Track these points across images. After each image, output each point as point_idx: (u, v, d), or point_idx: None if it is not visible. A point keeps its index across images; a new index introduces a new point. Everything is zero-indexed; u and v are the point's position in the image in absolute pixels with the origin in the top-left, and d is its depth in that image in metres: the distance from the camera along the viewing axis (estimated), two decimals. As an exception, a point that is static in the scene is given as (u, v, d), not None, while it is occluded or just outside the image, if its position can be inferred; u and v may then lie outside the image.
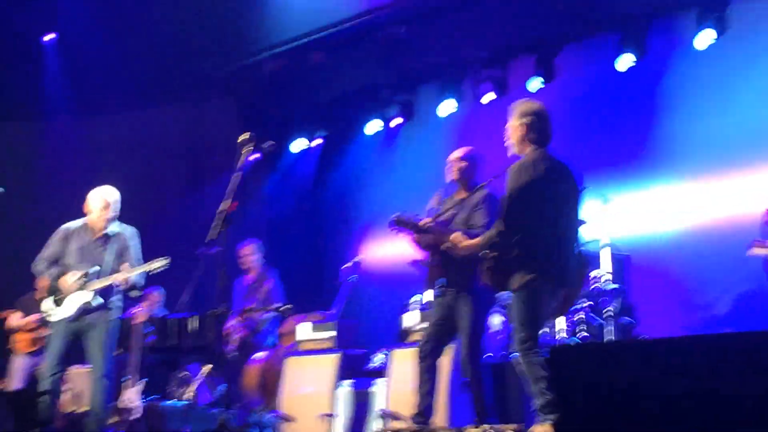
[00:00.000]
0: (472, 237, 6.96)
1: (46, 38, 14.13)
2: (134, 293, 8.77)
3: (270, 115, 13.39)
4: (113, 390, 10.17)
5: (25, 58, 14.00)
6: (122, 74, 13.70)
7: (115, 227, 8.84)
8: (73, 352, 8.73)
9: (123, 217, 13.09)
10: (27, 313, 11.37)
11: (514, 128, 6.72)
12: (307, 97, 13.45)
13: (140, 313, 10.27)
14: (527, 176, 6.44)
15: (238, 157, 7.26)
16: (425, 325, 8.22)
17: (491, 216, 7.22)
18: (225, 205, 7.06)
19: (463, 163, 7.63)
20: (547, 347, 8.59)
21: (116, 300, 8.74)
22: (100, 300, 8.57)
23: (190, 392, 10.67)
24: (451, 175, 7.65)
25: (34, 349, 11.17)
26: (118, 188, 13.73)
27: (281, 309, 10.34)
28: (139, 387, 10.02)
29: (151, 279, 11.86)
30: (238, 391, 10.27)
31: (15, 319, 11.41)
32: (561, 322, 8.86)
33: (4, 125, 14.69)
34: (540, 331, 6.68)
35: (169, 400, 10.69)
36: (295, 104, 13.54)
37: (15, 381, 11.19)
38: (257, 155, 7.50)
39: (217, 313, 7.44)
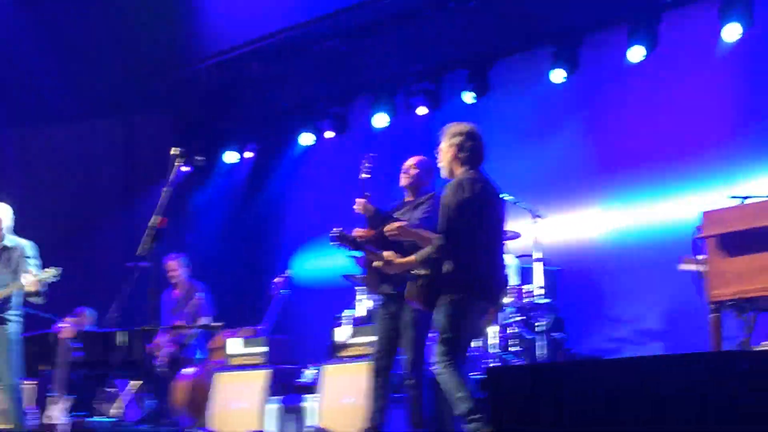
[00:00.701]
0: (411, 228, 6.94)
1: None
2: (36, 299, 8.63)
3: (204, 127, 13.29)
4: (41, 406, 10.02)
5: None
6: (54, 85, 13.51)
7: (11, 241, 8.79)
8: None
9: (53, 229, 12.96)
10: None
11: (445, 150, 6.71)
12: (241, 109, 13.37)
13: (67, 328, 10.10)
14: (462, 194, 6.45)
15: (169, 171, 7.16)
16: (358, 339, 8.17)
17: (432, 212, 7.18)
18: (155, 220, 6.95)
19: (416, 170, 7.61)
20: (482, 363, 8.64)
21: (14, 312, 8.64)
22: None
23: (118, 408, 10.50)
24: (403, 180, 7.63)
25: None
26: (49, 200, 13.65)
27: (210, 326, 10.24)
28: (66, 403, 9.85)
29: (83, 299, 11.76)
30: (167, 407, 10.14)
31: None
32: (493, 337, 8.84)
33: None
34: (468, 346, 6.68)
35: (96, 416, 10.52)
36: (229, 116, 13.45)
37: None
38: (188, 169, 7.43)
39: (146, 328, 7.32)
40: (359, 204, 7.34)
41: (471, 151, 6.67)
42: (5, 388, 8.55)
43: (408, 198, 7.63)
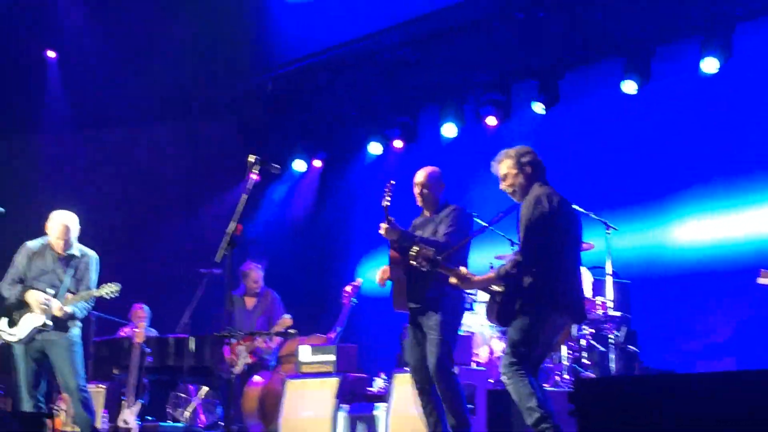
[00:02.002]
0: (430, 245, 6.96)
1: (49, 53, 14.11)
2: (71, 324, 8.72)
3: (272, 135, 13.36)
4: (112, 411, 10.13)
5: (27, 73, 13.98)
6: (125, 91, 13.67)
7: (77, 250, 8.89)
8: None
9: (120, 235, 13.09)
10: None
11: (512, 175, 6.72)
12: (309, 118, 13.43)
13: (138, 332, 10.21)
14: (541, 209, 6.47)
15: (245, 179, 7.21)
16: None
17: (455, 225, 7.30)
18: (231, 227, 6.99)
19: (425, 189, 7.62)
20: (554, 375, 8.62)
21: (74, 319, 8.75)
22: (51, 322, 8.59)
23: (187, 414, 10.60)
24: (419, 201, 7.66)
25: None
26: (117, 206, 13.80)
27: (288, 333, 10.27)
28: (136, 408, 9.95)
29: (143, 297, 11.86)
30: (237, 413, 10.19)
31: None
32: (564, 350, 8.80)
33: (3, 139, 14.64)
34: (541, 360, 6.69)
35: (167, 421, 10.61)
36: (296, 125, 13.52)
37: None
38: (258, 177, 7.47)
39: (222, 335, 7.37)
40: (383, 229, 7.37)
41: (537, 167, 6.72)
42: (71, 392, 8.66)
43: (426, 213, 7.63)
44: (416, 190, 7.65)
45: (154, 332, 11.06)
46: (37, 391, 8.62)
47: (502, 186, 6.79)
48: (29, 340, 8.59)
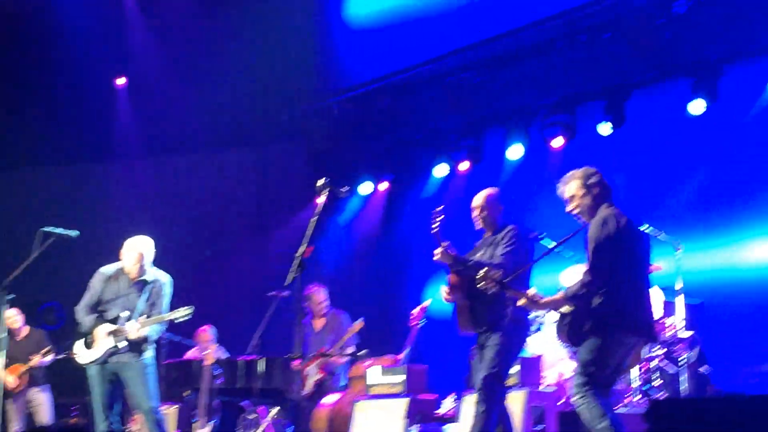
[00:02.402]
0: (483, 266, 6.99)
1: (118, 81, 14.34)
2: (144, 347, 8.83)
3: (338, 158, 13.44)
4: (184, 431, 10.23)
5: (96, 101, 14.22)
6: (192, 117, 13.86)
7: (151, 275, 9.01)
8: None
9: (190, 259, 13.24)
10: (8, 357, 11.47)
11: (580, 196, 6.74)
12: (375, 141, 13.51)
13: (209, 354, 10.31)
14: (609, 229, 6.50)
15: (312, 202, 7.29)
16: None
17: (512, 246, 7.34)
18: (301, 249, 7.06)
19: (483, 212, 7.65)
20: (624, 397, 8.58)
21: (148, 342, 8.86)
22: (126, 343, 8.71)
23: (258, 435, 10.67)
24: (477, 224, 7.69)
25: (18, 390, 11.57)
26: (187, 230, 13.96)
27: (358, 354, 10.32)
28: (208, 429, 10.04)
29: (213, 320, 11.97)
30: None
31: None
32: (634, 371, 8.76)
33: (75, 167, 14.90)
34: (613, 381, 6.68)
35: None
36: (362, 148, 13.61)
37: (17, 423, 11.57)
38: (326, 200, 7.55)
39: (292, 356, 7.43)
40: (437, 254, 7.41)
41: (604, 188, 6.75)
42: (145, 413, 8.76)
43: (487, 235, 7.66)
44: (474, 214, 7.70)
45: (223, 351, 11.20)
46: (112, 412, 8.74)
47: (569, 208, 6.81)
48: (104, 361, 8.72)
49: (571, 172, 6.89)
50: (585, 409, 6.41)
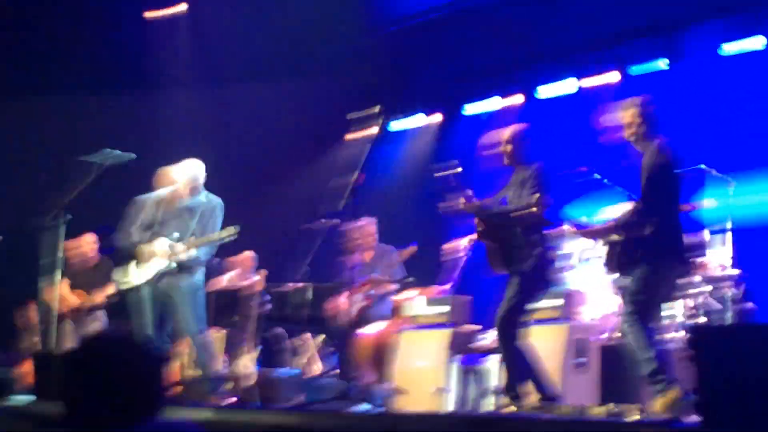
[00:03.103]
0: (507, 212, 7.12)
1: (178, 8, 14.35)
2: (194, 269, 8.89)
3: (391, 90, 13.41)
4: (232, 357, 10.38)
5: (156, 28, 14.26)
6: (248, 46, 13.87)
7: (203, 197, 9.07)
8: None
9: (242, 188, 13.33)
10: (72, 280, 11.61)
11: (637, 124, 6.75)
12: (428, 72, 13.46)
13: (257, 281, 10.42)
14: (662, 160, 6.51)
15: (366, 129, 7.32)
16: (542, 303, 8.21)
17: (538, 188, 7.30)
18: (353, 176, 7.10)
19: (508, 147, 7.61)
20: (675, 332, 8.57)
21: (198, 263, 8.95)
22: (175, 264, 8.80)
23: (304, 361, 10.80)
24: (503, 160, 7.64)
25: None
26: (239, 158, 14.05)
27: (404, 282, 10.38)
28: (254, 355, 10.18)
29: (263, 247, 12.06)
30: (350, 362, 10.36)
31: (61, 290, 11.68)
32: (678, 306, 8.74)
33: (132, 94, 15.02)
34: (659, 310, 6.71)
35: (283, 368, 10.83)
36: (415, 80, 13.56)
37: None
38: (378, 129, 7.58)
39: (336, 284, 7.52)
40: (461, 204, 7.47)
41: (658, 119, 6.75)
42: (191, 336, 8.88)
43: (515, 174, 7.62)
44: (500, 149, 7.64)
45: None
46: (161, 333, 8.88)
47: (624, 134, 6.79)
48: (155, 283, 8.84)
49: (629, 99, 6.89)
50: (633, 337, 6.45)
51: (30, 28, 14.42)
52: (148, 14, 14.31)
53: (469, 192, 7.48)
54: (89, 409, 2.83)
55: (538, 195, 7.31)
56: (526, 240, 7.31)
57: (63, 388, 2.88)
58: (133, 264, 8.97)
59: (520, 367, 7.34)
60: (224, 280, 11.44)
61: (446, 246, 9.45)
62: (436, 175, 7.52)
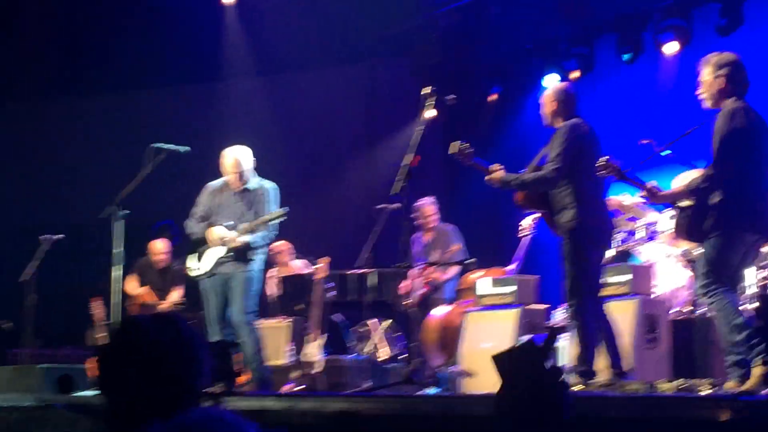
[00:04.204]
0: (529, 182, 7.20)
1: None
2: (250, 255, 8.79)
3: (446, 71, 13.28)
4: (298, 345, 10.37)
5: (205, 20, 14.29)
6: (299, 34, 13.85)
7: (255, 183, 8.99)
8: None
9: (299, 173, 13.31)
10: (142, 278, 11.69)
11: (709, 82, 6.52)
12: (483, 52, 13.31)
13: (321, 267, 10.39)
14: (735, 124, 6.32)
15: (420, 110, 7.23)
16: (610, 278, 8.07)
17: (560, 147, 7.18)
18: (408, 158, 7.03)
19: (544, 108, 7.48)
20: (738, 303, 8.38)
21: (257, 251, 8.85)
22: (231, 253, 8.74)
23: (370, 347, 10.76)
24: (545, 120, 7.50)
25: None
26: (296, 147, 14.05)
27: (466, 263, 10.29)
28: (321, 341, 10.16)
29: (324, 234, 12.01)
30: (417, 346, 10.29)
31: (132, 287, 11.74)
32: (750, 276, 8.54)
33: (185, 87, 15.06)
34: (736, 278, 6.53)
35: (349, 354, 10.81)
36: (470, 59, 13.42)
37: None
38: (435, 111, 7.48)
39: (400, 267, 7.44)
40: (489, 180, 7.44)
41: (738, 83, 6.50)
42: (236, 326, 8.74)
43: (553, 135, 7.49)
44: (543, 112, 7.51)
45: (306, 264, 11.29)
46: (226, 323, 8.84)
47: (698, 91, 6.61)
48: (213, 272, 8.82)
49: (711, 54, 6.67)
50: (717, 306, 6.28)
51: (75, 25, 14.51)
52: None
53: (495, 166, 7.34)
54: (126, 398, 2.78)
55: (555, 154, 7.17)
56: (559, 204, 7.21)
57: (100, 379, 2.83)
58: (194, 257, 8.97)
59: (589, 342, 7.21)
60: (291, 268, 11.44)
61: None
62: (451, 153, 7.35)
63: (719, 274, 6.29)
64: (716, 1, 10.98)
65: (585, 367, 7.21)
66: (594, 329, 7.20)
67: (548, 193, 7.35)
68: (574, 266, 7.18)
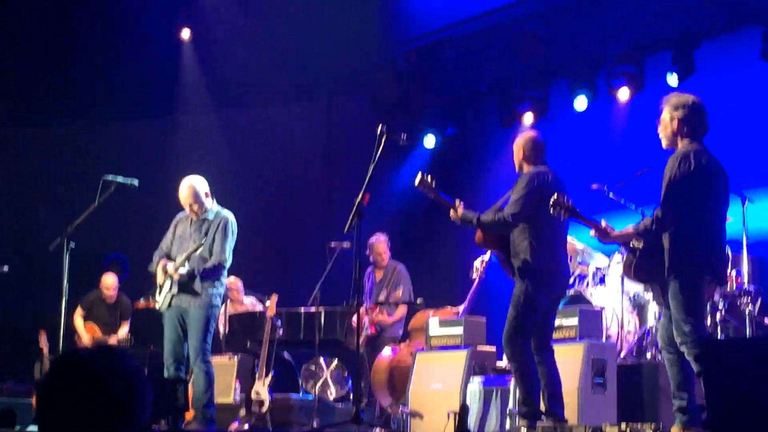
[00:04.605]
0: (488, 224, 7.29)
1: (183, 34, 14.35)
2: (198, 288, 8.57)
3: (403, 110, 13.34)
4: (245, 382, 10.28)
5: (163, 54, 14.26)
6: (257, 70, 13.86)
7: (212, 213, 8.77)
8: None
9: (255, 212, 13.28)
10: (90, 312, 11.65)
11: (667, 121, 6.56)
12: (439, 92, 13.39)
13: (271, 306, 10.33)
14: (686, 167, 6.34)
15: (373, 149, 7.25)
16: (561, 322, 8.10)
17: (521, 192, 7.27)
18: (359, 197, 7.03)
19: (518, 153, 7.58)
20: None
21: (205, 285, 8.60)
22: (174, 284, 8.60)
23: (318, 386, 10.70)
24: (516, 166, 7.59)
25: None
26: (251, 182, 14.01)
27: (414, 303, 10.29)
28: (268, 380, 10.09)
29: (276, 271, 11.95)
30: (366, 385, 10.26)
31: (78, 321, 11.69)
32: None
33: (139, 121, 15.00)
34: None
35: (297, 393, 10.74)
36: (427, 100, 13.49)
37: None
38: (388, 149, 7.51)
39: (349, 307, 7.42)
40: (453, 216, 7.56)
41: (695, 124, 6.52)
42: (191, 361, 8.57)
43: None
44: (515, 156, 7.59)
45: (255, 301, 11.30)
46: (178, 357, 8.66)
47: (658, 130, 6.64)
48: (167, 306, 8.69)
49: (671, 94, 6.71)
50: (693, 360, 6.12)
51: (30, 57, 14.43)
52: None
53: (457, 202, 7.41)
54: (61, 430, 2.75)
55: (515, 199, 7.24)
56: (516, 249, 7.28)
57: (38, 413, 2.79)
58: (159, 287, 8.82)
59: (530, 385, 7.23)
60: (241, 304, 11.40)
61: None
62: (417, 185, 7.42)
63: (697, 318, 6.24)
64: (668, 49, 11.10)
65: (528, 407, 7.22)
66: (534, 370, 7.22)
67: (507, 236, 7.40)
68: (520, 309, 7.21)
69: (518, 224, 7.28)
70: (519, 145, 7.57)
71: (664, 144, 6.61)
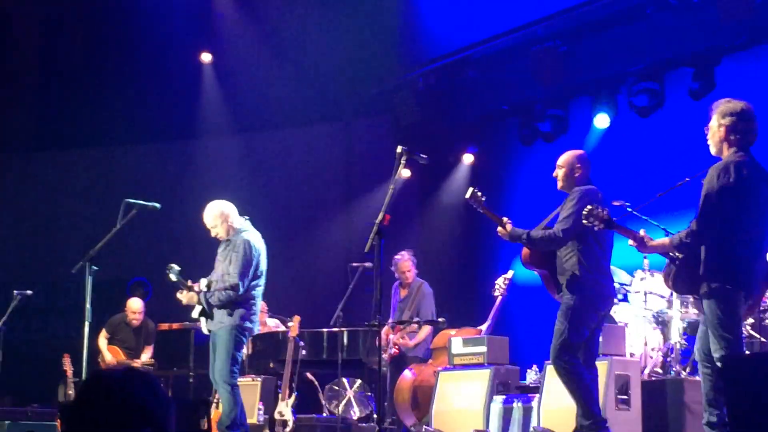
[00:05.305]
0: (537, 239, 7.24)
1: (204, 58, 14.43)
2: (217, 313, 8.51)
3: (424, 131, 13.35)
4: (268, 403, 10.26)
5: (184, 77, 14.35)
6: (277, 93, 13.91)
7: (237, 235, 8.69)
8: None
9: (277, 234, 13.30)
10: (114, 335, 11.70)
11: (714, 129, 6.47)
12: (460, 112, 13.41)
13: (294, 326, 10.33)
14: (726, 179, 6.20)
15: (393, 170, 7.25)
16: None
17: (571, 210, 7.22)
18: (379, 217, 7.03)
19: (560, 171, 7.52)
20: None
21: (226, 310, 8.54)
22: (199, 310, 8.61)
23: (341, 406, 10.69)
24: (559, 183, 7.56)
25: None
26: (272, 204, 14.03)
27: (436, 323, 10.26)
28: (291, 400, 10.08)
29: (299, 293, 11.92)
30: (389, 406, 10.23)
31: (102, 344, 11.75)
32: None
33: (161, 144, 15.07)
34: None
35: (320, 413, 10.73)
36: (447, 120, 13.50)
37: None
38: (409, 171, 7.53)
39: (371, 326, 7.40)
40: (500, 233, 7.54)
41: (742, 133, 6.39)
42: (215, 383, 8.56)
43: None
44: (555, 172, 7.58)
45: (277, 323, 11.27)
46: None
47: (707, 136, 6.55)
48: (207, 330, 8.68)
49: (721, 101, 6.54)
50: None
51: (52, 81, 14.54)
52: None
53: (505, 219, 7.42)
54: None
55: (565, 215, 7.22)
56: (564, 265, 7.24)
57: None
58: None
59: (587, 397, 7.18)
60: (265, 326, 11.39)
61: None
62: (467, 198, 7.46)
63: (734, 335, 6.14)
64: (689, 66, 11.08)
65: (590, 420, 7.17)
66: (587, 380, 7.19)
67: (554, 254, 7.37)
68: (567, 325, 7.16)
69: (568, 241, 7.25)
70: (568, 163, 7.53)
71: (712, 151, 6.48)
